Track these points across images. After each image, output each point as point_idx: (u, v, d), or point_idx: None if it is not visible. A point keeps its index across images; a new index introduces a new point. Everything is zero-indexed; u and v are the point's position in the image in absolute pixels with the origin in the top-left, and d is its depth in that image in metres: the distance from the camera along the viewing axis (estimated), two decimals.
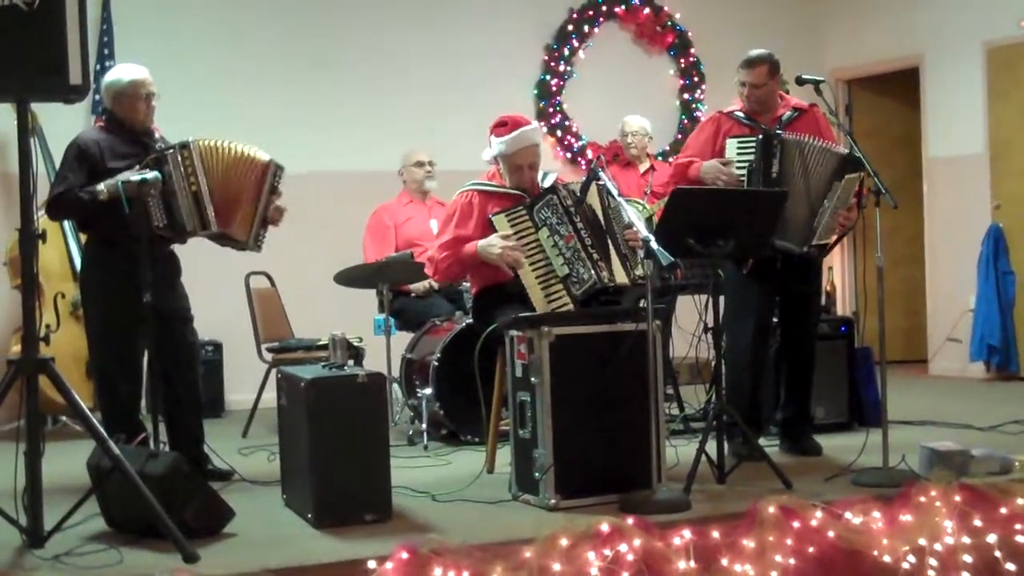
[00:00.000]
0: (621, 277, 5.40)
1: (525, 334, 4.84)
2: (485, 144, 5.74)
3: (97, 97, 7.86)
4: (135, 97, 5.49)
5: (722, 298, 5.46)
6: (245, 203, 5.57)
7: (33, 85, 4.18)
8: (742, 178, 5.74)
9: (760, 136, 5.75)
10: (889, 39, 10.10)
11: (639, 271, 5.39)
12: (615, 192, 5.28)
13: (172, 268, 5.66)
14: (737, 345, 5.83)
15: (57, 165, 5.93)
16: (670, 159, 8.37)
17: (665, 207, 5.28)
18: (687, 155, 6.02)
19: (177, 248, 5.70)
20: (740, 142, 5.81)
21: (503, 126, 5.65)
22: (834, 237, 5.80)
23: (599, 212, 5.47)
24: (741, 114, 5.98)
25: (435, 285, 7.33)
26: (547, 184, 5.62)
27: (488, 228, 5.51)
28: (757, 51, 5.96)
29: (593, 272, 5.33)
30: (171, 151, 5.40)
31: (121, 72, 5.60)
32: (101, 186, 5.27)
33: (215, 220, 5.48)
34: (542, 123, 9.45)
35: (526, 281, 5.40)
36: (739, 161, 5.77)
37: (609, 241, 5.45)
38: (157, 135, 5.60)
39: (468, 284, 6.67)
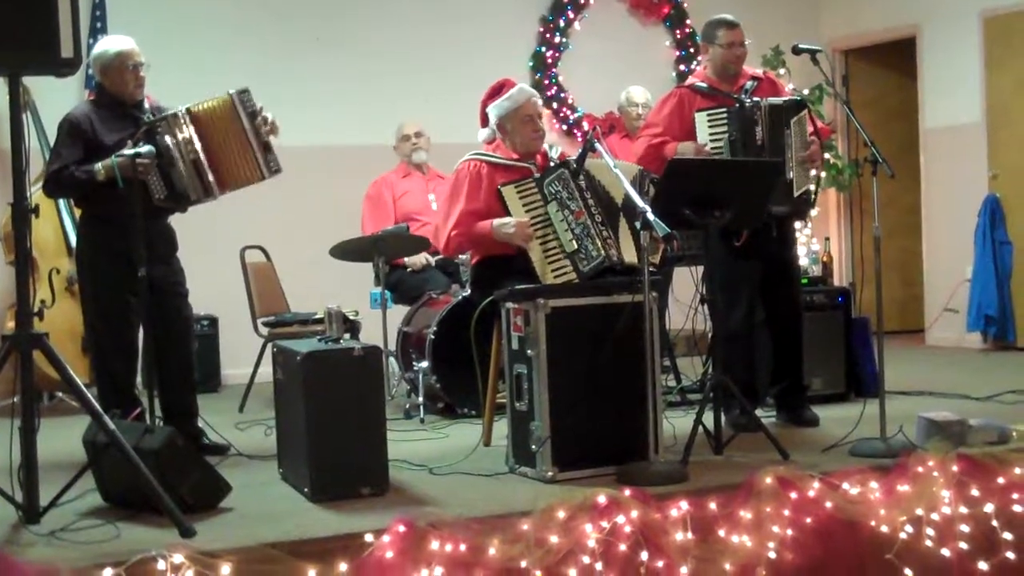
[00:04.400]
0: (631, 257, 5.38)
1: (521, 306, 4.83)
2: (474, 125, 5.74)
3: (90, 71, 7.82)
4: (122, 69, 5.46)
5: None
6: (238, 147, 5.49)
7: (24, 59, 4.14)
8: (719, 151, 5.72)
9: (737, 106, 5.74)
10: (886, 9, 10.06)
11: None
12: (612, 163, 5.25)
13: (168, 242, 5.63)
14: (731, 318, 5.80)
15: (50, 140, 5.91)
16: None
17: (662, 178, 5.25)
18: (654, 131, 5.97)
19: (172, 222, 5.67)
20: (710, 115, 5.80)
21: (498, 91, 5.68)
22: (811, 183, 5.82)
23: (613, 193, 5.45)
24: (704, 85, 5.96)
25: (431, 260, 7.32)
26: (555, 155, 5.63)
27: (497, 199, 5.49)
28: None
29: (602, 249, 5.31)
30: (163, 122, 5.38)
31: (107, 44, 5.58)
32: (98, 166, 5.26)
33: (216, 185, 5.46)
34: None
35: (533, 256, 5.38)
36: (711, 134, 5.76)
37: (623, 220, 5.43)
38: (149, 105, 5.56)
39: (464, 256, 6.69)
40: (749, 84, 5.94)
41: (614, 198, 5.44)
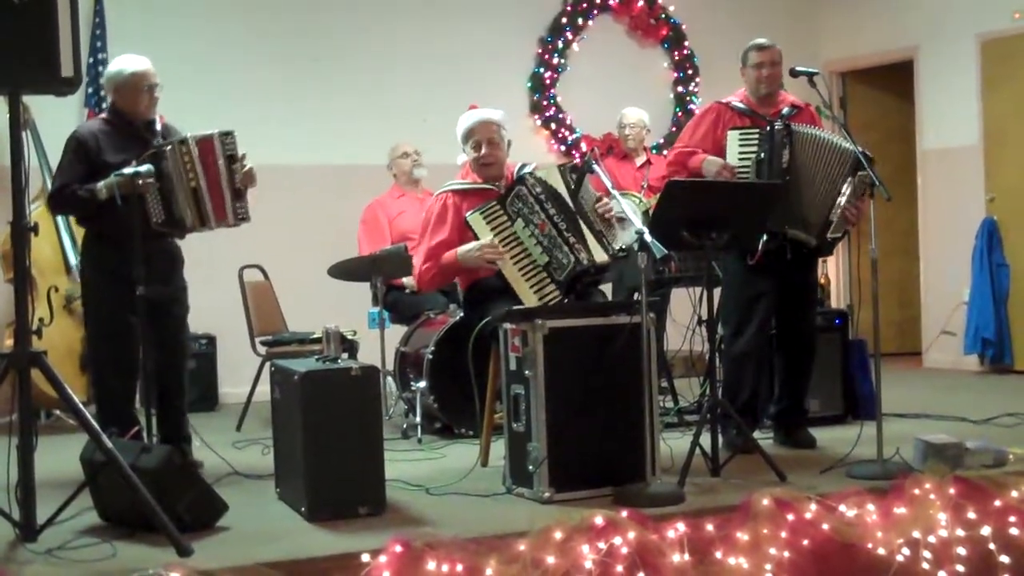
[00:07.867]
0: (600, 255, 5.37)
1: (519, 327, 4.83)
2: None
3: (90, 90, 7.85)
4: (137, 89, 5.47)
5: (718, 288, 5.44)
6: (217, 186, 5.48)
7: (24, 78, 4.16)
8: (746, 170, 5.72)
9: (768, 127, 5.74)
10: (883, 32, 10.10)
11: (617, 244, 5.41)
12: (610, 185, 5.27)
13: (169, 262, 5.62)
14: (740, 337, 5.80)
15: (49, 158, 5.91)
16: (664, 152, 8.36)
17: (659, 199, 5.26)
18: (687, 145, 5.98)
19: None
20: (742, 134, 5.79)
21: None
22: (840, 233, 5.82)
23: (565, 194, 5.44)
24: (742, 105, 5.97)
25: None
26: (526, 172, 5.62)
27: (465, 228, 5.49)
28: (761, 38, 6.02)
29: (572, 256, 5.32)
30: (169, 147, 5.38)
31: (123, 63, 5.57)
32: (100, 185, 5.25)
33: (213, 215, 5.46)
34: (536, 116, 9.54)
35: (509, 276, 5.37)
36: (740, 153, 5.76)
37: (581, 221, 5.42)
38: (159, 126, 5.57)
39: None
40: (787, 110, 5.94)
41: (569, 202, 5.42)
